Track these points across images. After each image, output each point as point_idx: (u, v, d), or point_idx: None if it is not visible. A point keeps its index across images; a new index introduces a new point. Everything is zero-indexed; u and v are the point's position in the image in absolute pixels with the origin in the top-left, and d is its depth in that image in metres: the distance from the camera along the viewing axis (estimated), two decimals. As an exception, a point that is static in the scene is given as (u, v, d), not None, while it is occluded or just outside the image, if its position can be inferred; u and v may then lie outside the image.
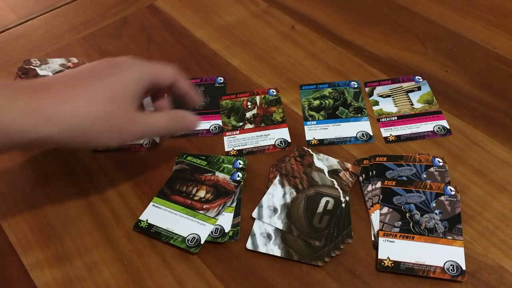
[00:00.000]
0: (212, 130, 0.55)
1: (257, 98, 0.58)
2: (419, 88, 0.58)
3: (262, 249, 0.44)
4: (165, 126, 0.46)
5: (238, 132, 0.55)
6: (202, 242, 0.45)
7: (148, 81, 0.44)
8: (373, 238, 0.45)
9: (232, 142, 0.54)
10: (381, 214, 0.46)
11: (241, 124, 0.56)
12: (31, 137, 0.38)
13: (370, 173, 0.49)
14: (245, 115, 0.57)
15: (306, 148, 0.52)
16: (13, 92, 0.38)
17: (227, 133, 0.55)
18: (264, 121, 0.56)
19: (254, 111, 0.57)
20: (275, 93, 0.59)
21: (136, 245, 0.46)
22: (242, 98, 0.59)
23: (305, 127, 0.55)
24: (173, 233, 0.46)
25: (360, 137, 0.53)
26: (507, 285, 0.41)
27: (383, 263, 0.42)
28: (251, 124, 0.56)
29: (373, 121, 0.55)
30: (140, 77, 0.43)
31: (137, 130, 0.43)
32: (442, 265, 0.42)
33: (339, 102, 0.57)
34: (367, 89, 0.59)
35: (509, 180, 0.48)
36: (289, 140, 0.53)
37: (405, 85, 0.58)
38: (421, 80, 0.59)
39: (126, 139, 0.43)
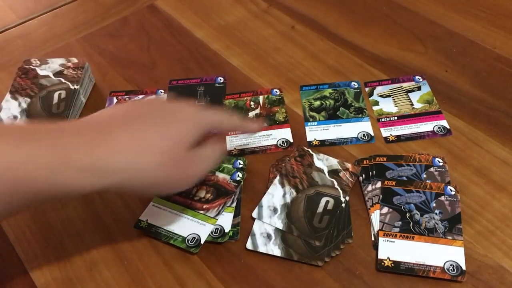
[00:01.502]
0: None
1: (260, 98, 0.58)
2: (419, 88, 0.58)
3: (262, 249, 0.44)
4: (217, 155, 0.44)
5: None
6: (202, 242, 0.45)
7: (205, 130, 0.42)
8: (373, 238, 0.45)
9: (234, 141, 0.54)
10: (381, 214, 0.46)
11: (243, 123, 0.56)
12: (82, 191, 0.36)
13: (370, 173, 0.49)
14: (248, 114, 0.57)
15: (306, 148, 0.52)
16: (65, 144, 0.35)
17: (229, 133, 0.55)
18: (267, 121, 0.56)
19: (257, 111, 0.57)
20: (278, 93, 0.59)
21: (136, 245, 0.46)
22: (245, 98, 0.59)
23: (306, 128, 0.55)
24: (173, 233, 0.46)
25: (361, 138, 0.53)
26: (507, 285, 0.41)
27: (383, 263, 0.42)
28: (253, 124, 0.56)
29: (373, 121, 0.55)
30: (197, 128, 0.41)
31: (196, 172, 0.42)
32: (442, 265, 0.42)
33: (340, 102, 0.57)
34: (367, 89, 0.59)
35: (509, 180, 0.48)
36: (291, 141, 0.53)
37: (405, 85, 0.58)
38: (421, 80, 0.59)
39: (187, 184, 0.42)
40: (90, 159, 0.35)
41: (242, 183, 0.49)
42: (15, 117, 0.54)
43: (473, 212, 0.46)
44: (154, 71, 0.64)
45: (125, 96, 0.60)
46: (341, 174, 0.49)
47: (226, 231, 0.45)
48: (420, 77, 0.59)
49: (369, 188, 0.48)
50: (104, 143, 0.36)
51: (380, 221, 0.45)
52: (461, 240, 0.43)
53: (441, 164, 0.49)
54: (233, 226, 0.46)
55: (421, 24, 0.67)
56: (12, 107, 0.56)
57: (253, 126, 0.48)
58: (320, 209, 0.46)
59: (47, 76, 0.59)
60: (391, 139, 0.53)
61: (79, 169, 0.35)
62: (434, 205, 0.46)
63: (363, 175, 0.49)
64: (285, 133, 0.54)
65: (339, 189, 0.48)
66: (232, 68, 0.63)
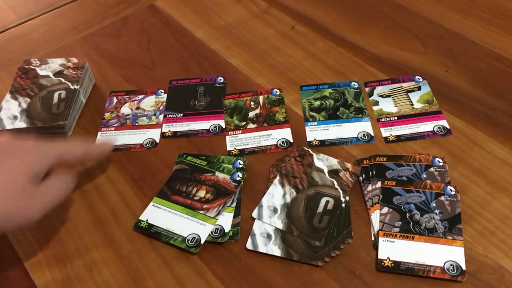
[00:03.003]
0: (212, 130, 0.55)
1: (260, 98, 0.58)
2: (419, 88, 0.58)
3: (262, 249, 0.44)
4: (66, 184, 0.46)
5: (240, 131, 0.55)
6: (202, 242, 0.45)
7: (51, 162, 0.44)
8: (373, 238, 0.45)
9: (234, 141, 0.54)
10: (381, 214, 0.46)
11: (243, 123, 0.56)
12: None
13: (370, 173, 0.49)
14: (248, 114, 0.57)
15: (306, 148, 0.52)
16: None
17: (229, 133, 0.55)
18: (267, 121, 0.56)
19: (257, 110, 0.57)
20: (278, 93, 0.59)
21: (136, 245, 0.46)
22: (245, 98, 0.59)
23: (306, 128, 0.55)
24: (173, 233, 0.46)
25: (361, 138, 0.53)
26: (507, 285, 0.41)
27: (383, 263, 0.42)
28: (253, 123, 0.56)
29: (373, 121, 0.55)
30: (41, 161, 0.43)
31: (41, 203, 0.42)
32: (442, 265, 0.42)
33: (340, 102, 0.57)
34: (367, 89, 0.59)
35: (509, 180, 0.48)
36: (291, 141, 0.53)
37: (405, 85, 0.58)
38: (421, 80, 0.59)
39: (34, 216, 0.42)
40: None
41: (242, 183, 0.49)
42: (15, 117, 0.54)
43: (473, 212, 0.46)
44: (154, 71, 0.64)
45: (125, 96, 0.60)
46: (341, 174, 0.49)
47: (226, 231, 0.45)
48: (420, 77, 0.59)
49: (369, 188, 0.48)
50: None
51: (380, 221, 0.45)
52: (461, 240, 0.43)
53: (441, 164, 0.49)
54: (233, 226, 0.46)
55: (421, 24, 0.67)
56: (12, 107, 0.55)
57: (103, 147, 0.51)
58: (320, 209, 0.46)
59: (47, 76, 0.59)
60: (391, 139, 0.53)
61: None
62: (434, 205, 0.46)
63: (363, 175, 0.49)
64: (285, 133, 0.54)
65: (339, 189, 0.48)
66: (232, 68, 0.63)
